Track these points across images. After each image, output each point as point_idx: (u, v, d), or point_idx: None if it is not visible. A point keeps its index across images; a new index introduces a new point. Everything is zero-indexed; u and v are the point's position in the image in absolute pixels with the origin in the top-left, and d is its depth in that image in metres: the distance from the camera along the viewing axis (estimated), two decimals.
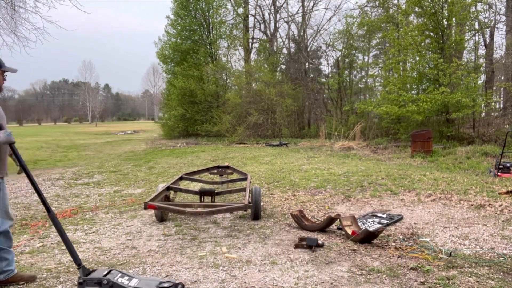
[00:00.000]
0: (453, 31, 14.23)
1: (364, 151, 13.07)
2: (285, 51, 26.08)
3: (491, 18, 17.13)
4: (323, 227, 4.27)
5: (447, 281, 2.92)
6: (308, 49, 24.16)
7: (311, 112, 23.05)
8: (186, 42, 23.19)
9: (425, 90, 14.25)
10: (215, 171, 6.69)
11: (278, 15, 25.56)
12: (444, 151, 11.53)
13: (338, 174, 7.74)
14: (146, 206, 4.25)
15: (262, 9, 25.47)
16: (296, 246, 3.76)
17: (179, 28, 22.99)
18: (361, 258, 3.47)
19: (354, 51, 21.22)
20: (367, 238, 3.82)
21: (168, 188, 5.13)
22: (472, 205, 5.26)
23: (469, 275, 3.03)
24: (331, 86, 21.15)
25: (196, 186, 6.88)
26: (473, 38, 16.01)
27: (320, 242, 3.74)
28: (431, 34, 14.13)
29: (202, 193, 5.18)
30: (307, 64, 23.75)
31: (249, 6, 24.83)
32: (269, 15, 25.75)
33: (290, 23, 25.36)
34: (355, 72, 22.44)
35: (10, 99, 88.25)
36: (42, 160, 12.85)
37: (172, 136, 22.88)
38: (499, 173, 7.57)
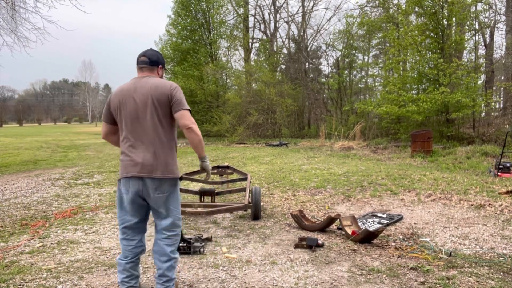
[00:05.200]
0: (453, 31, 14.23)
1: (364, 151, 13.07)
2: (285, 51, 26.13)
3: (491, 18, 17.14)
4: (323, 227, 4.27)
5: (447, 281, 2.92)
6: (308, 49, 24.17)
7: (311, 112, 23.06)
8: (186, 42, 23.21)
9: (425, 90, 14.25)
10: (215, 171, 6.68)
11: (278, 15, 25.59)
12: (444, 151, 11.52)
13: (338, 174, 7.74)
14: None
15: (262, 9, 25.52)
16: (296, 246, 3.76)
17: (179, 27, 23.00)
18: (361, 258, 3.47)
19: (354, 51, 21.23)
20: (367, 238, 3.82)
21: None
22: (472, 205, 5.26)
23: (469, 275, 3.03)
24: (331, 86, 21.16)
25: (196, 186, 6.89)
26: (473, 38, 16.01)
27: (320, 242, 3.74)
28: (431, 34, 14.13)
29: (202, 193, 5.17)
30: (307, 64, 23.76)
31: (249, 6, 24.87)
32: (269, 15, 25.80)
33: (290, 23, 25.40)
34: (355, 72, 22.47)
35: (10, 99, 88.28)
36: (42, 160, 12.85)
37: None
38: (499, 173, 7.57)
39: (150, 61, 2.69)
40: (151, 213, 2.73)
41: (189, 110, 2.58)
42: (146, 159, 2.53)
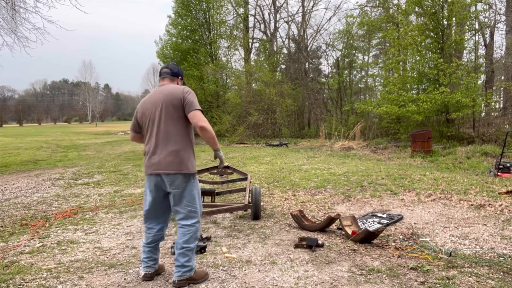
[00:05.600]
0: (453, 31, 14.22)
1: (364, 151, 13.07)
2: (285, 51, 26.10)
3: (491, 18, 17.14)
4: (323, 227, 4.27)
5: (447, 281, 2.92)
6: (308, 49, 24.17)
7: (311, 112, 23.05)
8: (187, 42, 23.21)
9: (425, 90, 14.25)
10: (215, 171, 6.68)
11: (278, 15, 25.58)
12: (444, 151, 11.52)
13: (338, 174, 7.74)
14: None
15: (262, 9, 25.51)
16: (296, 246, 3.76)
17: (179, 27, 23.01)
18: (361, 258, 3.47)
19: (354, 51, 21.22)
20: (367, 238, 3.81)
21: None
22: (472, 205, 5.26)
23: (469, 275, 3.03)
24: (331, 86, 21.15)
25: None
26: (473, 38, 16.00)
27: (320, 242, 3.74)
28: (431, 34, 14.12)
29: (202, 193, 5.17)
30: (307, 64, 23.75)
31: (249, 6, 24.86)
32: (269, 15, 25.79)
33: (290, 23, 25.39)
34: (355, 72, 22.46)
35: (10, 99, 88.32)
36: (42, 160, 12.86)
37: None
38: (499, 173, 7.57)
39: (172, 72, 3.10)
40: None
41: (200, 110, 2.89)
42: (162, 158, 2.87)
